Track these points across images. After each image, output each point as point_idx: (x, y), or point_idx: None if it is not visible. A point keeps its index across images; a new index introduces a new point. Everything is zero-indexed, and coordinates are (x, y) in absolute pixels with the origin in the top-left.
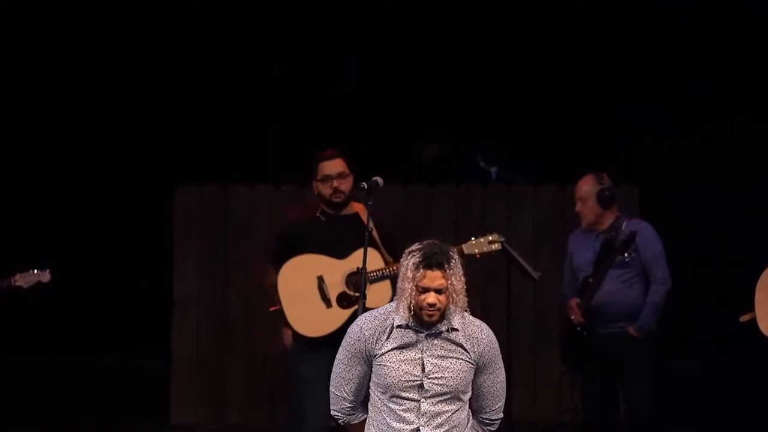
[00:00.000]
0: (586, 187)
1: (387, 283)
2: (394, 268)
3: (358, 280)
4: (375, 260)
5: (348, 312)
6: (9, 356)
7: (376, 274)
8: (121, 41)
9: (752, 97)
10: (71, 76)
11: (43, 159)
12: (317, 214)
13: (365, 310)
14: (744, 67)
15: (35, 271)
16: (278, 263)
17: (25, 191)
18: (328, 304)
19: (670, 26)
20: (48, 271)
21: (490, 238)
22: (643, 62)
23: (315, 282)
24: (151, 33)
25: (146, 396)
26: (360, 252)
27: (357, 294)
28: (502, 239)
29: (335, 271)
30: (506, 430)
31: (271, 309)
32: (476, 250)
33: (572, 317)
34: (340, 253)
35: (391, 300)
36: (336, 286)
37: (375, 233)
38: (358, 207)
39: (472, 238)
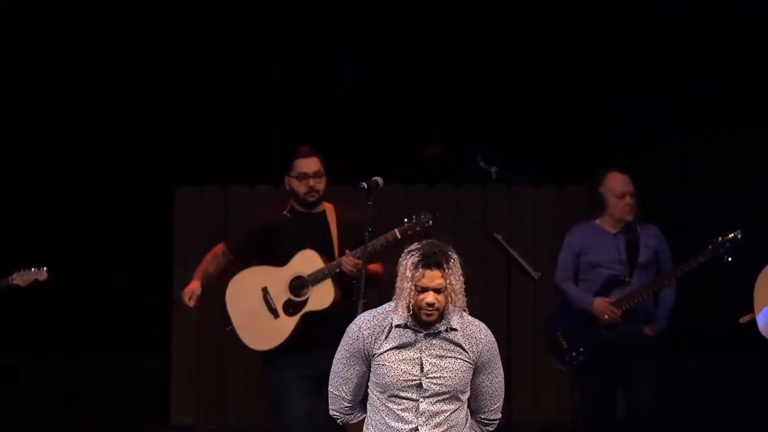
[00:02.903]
0: (630, 182)
1: (329, 283)
2: (332, 266)
3: (300, 284)
4: (314, 261)
5: (295, 319)
6: (9, 356)
7: (317, 275)
8: (121, 41)
9: (752, 97)
10: (71, 76)
11: (43, 159)
12: (285, 212)
13: (363, 309)
14: (744, 67)
15: (33, 269)
16: (237, 251)
17: (25, 191)
18: (276, 314)
19: (670, 26)
20: (45, 269)
21: (423, 217)
22: (643, 62)
23: (260, 295)
24: (151, 33)
25: (146, 396)
26: (298, 256)
27: (300, 299)
28: (435, 214)
29: (278, 279)
30: (506, 430)
31: (227, 329)
32: (409, 232)
33: (606, 317)
34: (320, 251)
35: (334, 299)
36: (281, 295)
37: (334, 231)
38: (327, 206)
39: (405, 220)
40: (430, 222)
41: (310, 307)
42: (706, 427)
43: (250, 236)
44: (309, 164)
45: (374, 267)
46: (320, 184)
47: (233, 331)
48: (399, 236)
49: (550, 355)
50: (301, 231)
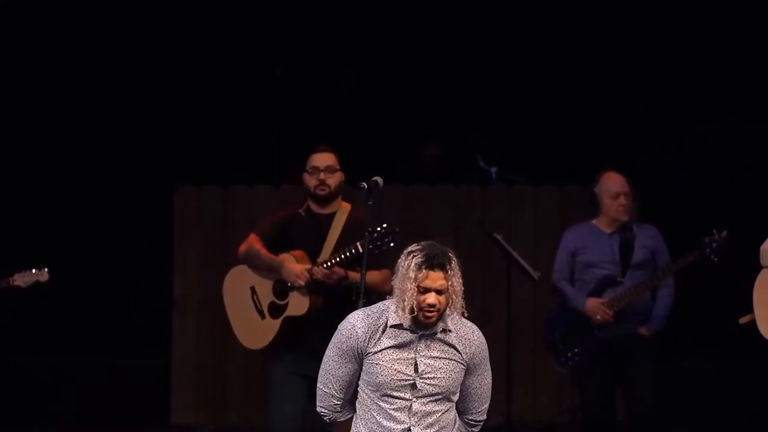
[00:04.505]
0: (626, 183)
1: (305, 290)
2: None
3: (283, 288)
4: (305, 264)
5: (278, 322)
6: (9, 356)
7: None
8: (121, 41)
9: (752, 97)
10: (71, 76)
11: (42, 159)
12: (300, 210)
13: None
14: (744, 67)
15: (33, 270)
16: (265, 238)
17: (25, 191)
18: (262, 315)
19: (670, 26)
20: (46, 270)
21: (383, 230)
22: (643, 62)
23: (249, 293)
24: (151, 33)
25: (146, 396)
26: (280, 258)
27: (282, 302)
28: (395, 228)
29: (265, 280)
30: (506, 430)
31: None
32: (370, 246)
33: (598, 317)
34: (310, 252)
35: (311, 306)
36: (266, 296)
37: (335, 234)
38: (344, 206)
39: (369, 230)
40: (390, 237)
41: (289, 312)
42: (706, 427)
43: (272, 225)
44: (322, 159)
45: (372, 275)
46: (332, 179)
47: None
48: (360, 249)
49: (548, 355)
50: (303, 231)
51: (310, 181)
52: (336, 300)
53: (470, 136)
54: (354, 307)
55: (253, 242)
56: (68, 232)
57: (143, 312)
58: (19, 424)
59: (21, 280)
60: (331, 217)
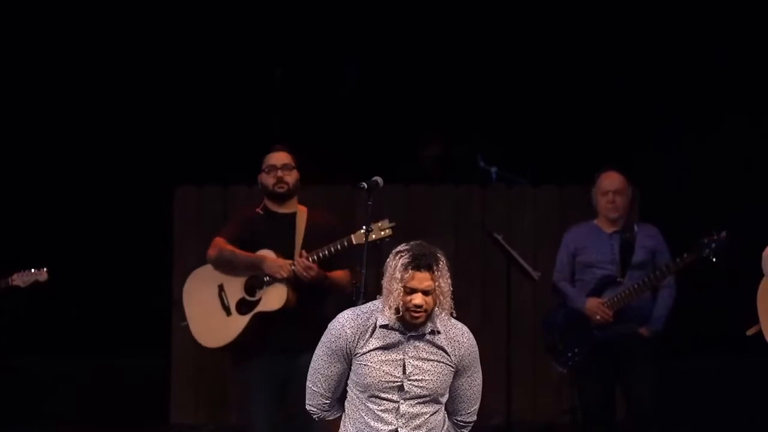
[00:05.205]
0: (620, 181)
1: (283, 285)
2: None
3: (253, 285)
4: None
5: (246, 318)
6: (9, 357)
7: (272, 277)
8: (121, 41)
9: (752, 97)
10: (71, 76)
11: (42, 159)
12: (257, 209)
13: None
14: (743, 67)
15: (33, 270)
16: (232, 240)
17: (25, 191)
18: (228, 312)
19: (671, 27)
20: (45, 270)
21: (380, 224)
22: (643, 62)
23: (216, 291)
24: (151, 33)
25: (146, 396)
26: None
27: (253, 298)
28: (393, 224)
29: (236, 277)
30: (506, 430)
31: (182, 324)
32: (365, 239)
33: (597, 317)
34: (283, 253)
35: (286, 302)
36: (236, 293)
37: (300, 234)
38: (301, 208)
39: (363, 228)
40: (389, 231)
41: (261, 307)
42: (706, 427)
43: (240, 227)
44: (278, 157)
45: (340, 274)
46: (289, 177)
47: (187, 327)
48: (354, 242)
49: (548, 355)
50: (269, 230)
51: (268, 179)
52: (311, 298)
53: (470, 136)
54: (334, 306)
55: (223, 244)
56: (68, 232)
57: (143, 312)
58: (19, 424)
59: (20, 279)
60: (292, 216)
